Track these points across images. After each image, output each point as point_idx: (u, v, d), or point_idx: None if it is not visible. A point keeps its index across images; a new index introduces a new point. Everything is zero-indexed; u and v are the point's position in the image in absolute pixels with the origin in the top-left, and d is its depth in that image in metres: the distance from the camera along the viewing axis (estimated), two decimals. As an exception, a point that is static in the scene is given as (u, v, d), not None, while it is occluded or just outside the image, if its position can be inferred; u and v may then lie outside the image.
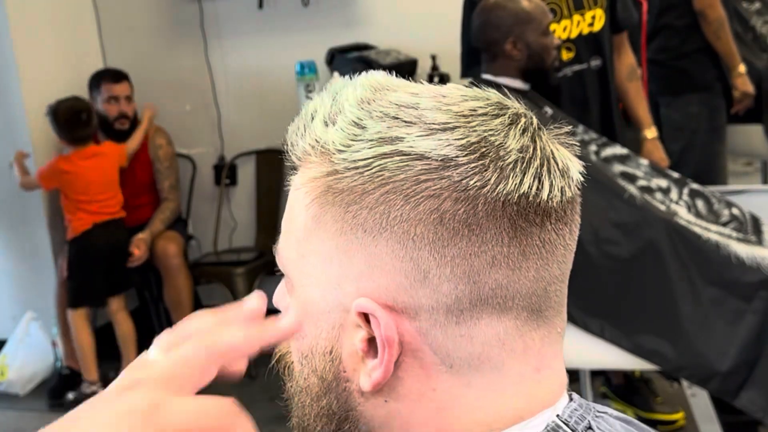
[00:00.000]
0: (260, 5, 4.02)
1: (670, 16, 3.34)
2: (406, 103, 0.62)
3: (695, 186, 2.47)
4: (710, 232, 2.19)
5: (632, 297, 2.20)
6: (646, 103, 2.97)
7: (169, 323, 3.97)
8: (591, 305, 2.19)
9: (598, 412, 0.66)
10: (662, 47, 3.37)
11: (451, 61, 3.68)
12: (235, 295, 3.82)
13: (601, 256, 2.18)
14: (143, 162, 3.92)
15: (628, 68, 2.93)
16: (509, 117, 0.62)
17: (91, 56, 4.28)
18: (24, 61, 3.89)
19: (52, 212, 3.95)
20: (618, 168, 2.42)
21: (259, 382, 3.73)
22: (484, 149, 0.59)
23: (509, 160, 0.59)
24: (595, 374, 2.94)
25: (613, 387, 3.01)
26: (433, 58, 3.74)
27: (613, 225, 2.19)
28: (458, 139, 0.59)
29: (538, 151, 0.61)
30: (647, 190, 2.36)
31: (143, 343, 3.98)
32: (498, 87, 2.20)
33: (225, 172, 4.24)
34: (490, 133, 0.60)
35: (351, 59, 3.65)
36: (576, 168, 0.63)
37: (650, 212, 2.21)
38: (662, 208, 2.27)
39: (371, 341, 0.61)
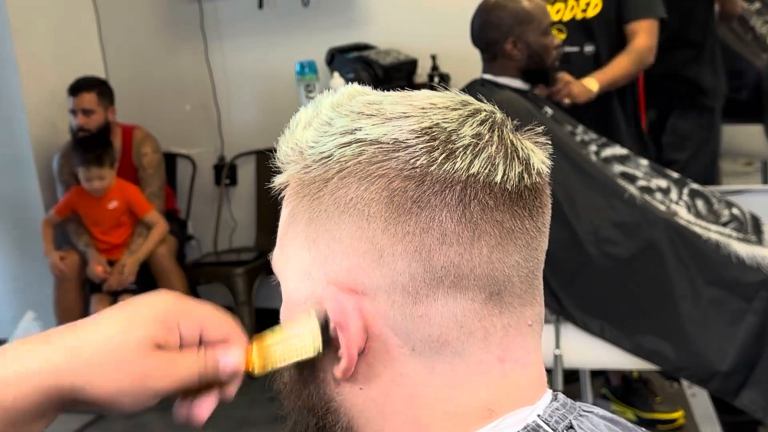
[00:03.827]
0: (260, 5, 4.02)
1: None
2: (372, 101, 0.65)
3: (695, 186, 2.47)
4: (710, 232, 2.19)
5: (632, 297, 2.20)
6: (612, 68, 2.81)
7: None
8: (591, 305, 2.19)
9: (583, 411, 0.66)
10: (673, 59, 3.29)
11: (452, 61, 3.68)
12: (235, 295, 3.83)
13: (601, 256, 2.18)
14: (128, 171, 3.86)
15: (629, 46, 2.84)
16: (469, 111, 0.64)
17: (91, 56, 4.28)
18: (24, 60, 3.89)
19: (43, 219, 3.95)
20: (618, 168, 2.42)
21: (259, 382, 3.72)
22: (435, 133, 0.62)
23: (460, 144, 0.62)
24: (595, 374, 2.94)
25: (612, 388, 3.01)
26: (433, 58, 3.73)
27: (613, 225, 2.19)
28: (410, 125, 0.62)
29: (495, 139, 0.63)
30: (647, 190, 2.36)
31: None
32: (498, 87, 2.21)
33: (225, 172, 4.24)
34: (445, 120, 0.63)
35: (351, 59, 3.65)
36: (539, 159, 0.64)
37: (650, 212, 2.21)
38: (662, 208, 2.27)
39: None
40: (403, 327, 0.62)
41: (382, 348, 0.63)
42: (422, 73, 3.76)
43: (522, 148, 0.63)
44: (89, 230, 3.73)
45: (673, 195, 2.41)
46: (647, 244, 2.17)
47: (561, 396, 0.67)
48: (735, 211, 2.39)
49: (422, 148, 0.61)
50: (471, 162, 0.61)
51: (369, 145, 0.62)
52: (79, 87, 3.72)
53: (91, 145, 3.68)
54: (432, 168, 0.61)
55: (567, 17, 2.85)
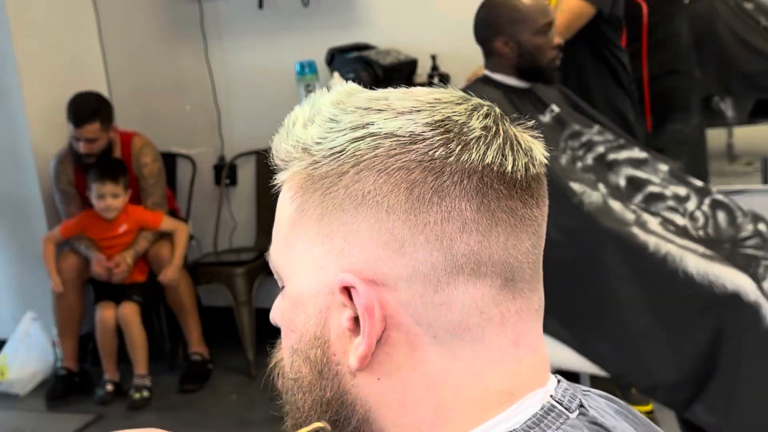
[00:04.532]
0: (260, 5, 4.02)
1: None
2: (377, 97, 0.67)
3: (719, 197, 2.41)
4: (670, 244, 2.17)
5: (577, 299, 2.21)
6: None
7: (171, 325, 3.97)
8: (545, 304, 2.20)
9: (584, 391, 0.69)
10: (673, 58, 3.19)
11: (451, 61, 3.68)
12: (235, 295, 3.83)
13: (548, 256, 2.19)
14: (130, 181, 3.86)
15: None
16: (472, 105, 0.66)
17: (91, 57, 4.28)
18: (24, 61, 3.89)
19: (52, 213, 3.95)
20: (627, 172, 2.41)
21: (259, 382, 3.72)
22: (448, 126, 0.64)
23: (472, 135, 0.64)
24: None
25: None
26: (433, 58, 3.73)
27: (557, 227, 2.18)
28: (423, 118, 0.64)
29: (501, 132, 0.65)
30: (656, 196, 2.34)
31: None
32: (493, 84, 2.20)
33: (225, 172, 4.24)
34: (454, 113, 0.65)
35: (351, 59, 3.65)
36: (539, 150, 0.67)
37: (596, 220, 2.20)
38: (630, 216, 2.24)
39: (356, 320, 0.64)
40: (425, 316, 0.63)
41: (402, 338, 0.64)
42: (422, 73, 3.76)
43: (524, 140, 0.66)
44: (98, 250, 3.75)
45: (691, 204, 2.38)
46: (589, 251, 2.18)
47: (561, 378, 0.69)
48: (761, 227, 2.34)
49: (439, 140, 0.63)
50: (485, 153, 0.63)
51: (384, 139, 0.63)
52: (82, 118, 3.63)
53: (108, 162, 3.70)
54: (450, 159, 0.62)
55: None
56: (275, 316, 0.73)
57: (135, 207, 3.77)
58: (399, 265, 0.63)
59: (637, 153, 2.48)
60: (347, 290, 0.63)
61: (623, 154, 2.45)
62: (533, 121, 0.68)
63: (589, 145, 2.44)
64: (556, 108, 2.45)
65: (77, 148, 3.69)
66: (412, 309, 0.63)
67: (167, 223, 3.81)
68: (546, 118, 2.46)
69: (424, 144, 0.63)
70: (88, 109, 3.67)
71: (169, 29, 4.26)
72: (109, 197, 3.63)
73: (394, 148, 0.63)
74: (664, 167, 2.47)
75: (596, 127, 2.49)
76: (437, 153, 0.62)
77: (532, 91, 2.47)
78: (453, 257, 0.62)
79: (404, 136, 0.63)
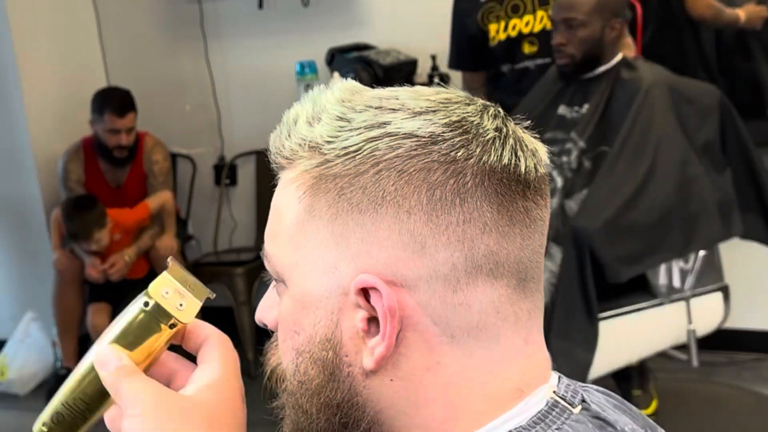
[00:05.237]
0: (260, 5, 4.02)
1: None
2: (386, 96, 0.66)
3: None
4: None
5: None
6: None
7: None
8: None
9: (583, 386, 0.70)
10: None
11: (451, 61, 3.68)
12: (235, 295, 3.83)
13: None
14: (138, 177, 3.88)
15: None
16: (480, 105, 0.66)
17: (91, 57, 4.28)
18: (24, 62, 3.89)
19: (52, 213, 3.95)
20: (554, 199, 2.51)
21: (259, 382, 3.72)
22: (465, 126, 0.64)
23: (488, 136, 0.64)
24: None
25: None
26: (433, 58, 3.73)
27: None
28: (441, 119, 0.64)
29: (510, 132, 0.65)
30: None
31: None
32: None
33: (225, 172, 4.24)
34: (468, 114, 0.65)
35: (351, 59, 3.65)
36: (543, 150, 0.67)
37: None
38: None
39: (371, 320, 0.63)
40: (443, 316, 0.63)
41: (418, 338, 0.63)
42: (422, 73, 3.76)
43: (528, 141, 0.66)
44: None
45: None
46: None
47: (561, 374, 0.70)
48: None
49: (459, 141, 0.63)
50: (501, 154, 0.63)
51: (404, 139, 0.63)
52: (125, 107, 3.68)
53: (78, 212, 3.60)
54: (471, 160, 0.63)
55: (537, 29, 2.86)
56: (265, 316, 0.72)
57: (120, 212, 3.73)
58: (419, 266, 0.62)
59: (588, 166, 2.54)
60: (364, 291, 0.63)
61: (564, 177, 2.53)
62: (528, 122, 0.69)
63: (566, 153, 2.51)
64: (585, 107, 2.51)
65: (112, 142, 3.71)
66: (431, 309, 0.63)
67: (154, 204, 3.80)
68: (571, 113, 2.53)
69: (444, 145, 0.62)
70: (126, 98, 3.74)
71: (169, 29, 4.26)
72: (93, 245, 3.62)
73: (415, 149, 0.62)
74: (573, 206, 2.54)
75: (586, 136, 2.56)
76: (458, 154, 0.62)
77: (585, 83, 2.56)
78: (473, 258, 0.62)
79: (424, 137, 0.62)
